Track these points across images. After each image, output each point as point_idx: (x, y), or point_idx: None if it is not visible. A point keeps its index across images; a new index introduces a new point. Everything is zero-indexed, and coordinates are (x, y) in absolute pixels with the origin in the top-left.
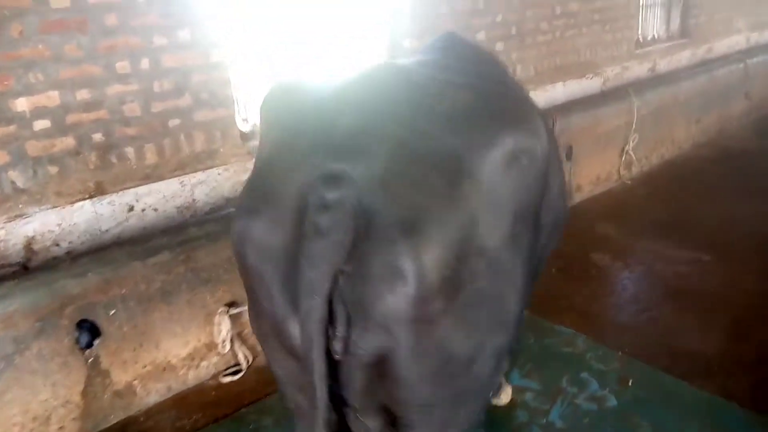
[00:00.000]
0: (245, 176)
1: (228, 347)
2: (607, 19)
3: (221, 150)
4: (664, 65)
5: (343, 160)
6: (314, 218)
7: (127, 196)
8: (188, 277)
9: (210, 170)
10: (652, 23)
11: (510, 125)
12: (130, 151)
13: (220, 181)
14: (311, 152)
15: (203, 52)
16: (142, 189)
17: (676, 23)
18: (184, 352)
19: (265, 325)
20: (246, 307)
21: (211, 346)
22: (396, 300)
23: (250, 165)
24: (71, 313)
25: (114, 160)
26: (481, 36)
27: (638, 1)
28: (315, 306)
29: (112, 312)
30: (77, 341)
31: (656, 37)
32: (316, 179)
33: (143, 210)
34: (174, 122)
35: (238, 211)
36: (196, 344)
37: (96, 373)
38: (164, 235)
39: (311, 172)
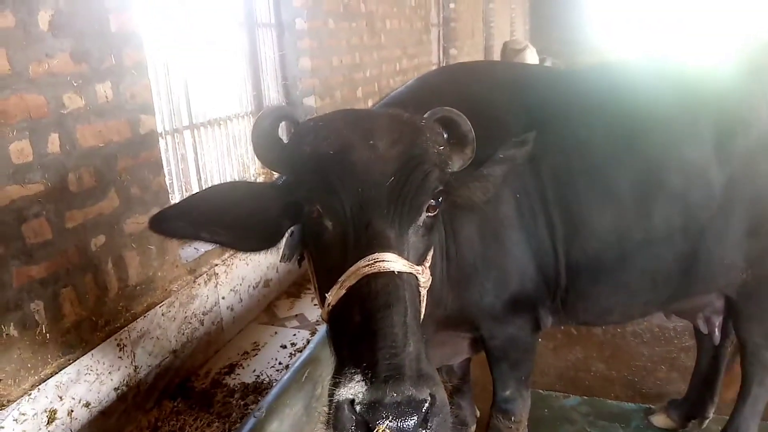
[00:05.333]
0: (193, 308)
1: None
2: None
3: (159, 275)
4: None
5: None
6: None
7: (44, 397)
8: None
9: (150, 312)
10: None
11: None
12: (37, 308)
13: (165, 324)
14: None
15: (130, 120)
16: (67, 373)
17: None
18: None
19: None
20: None
21: None
22: None
23: (197, 291)
24: None
25: (13, 331)
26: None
27: None
28: None
29: None
30: None
31: None
32: None
33: (71, 412)
34: (98, 241)
35: None
36: None
37: None
38: None
39: None
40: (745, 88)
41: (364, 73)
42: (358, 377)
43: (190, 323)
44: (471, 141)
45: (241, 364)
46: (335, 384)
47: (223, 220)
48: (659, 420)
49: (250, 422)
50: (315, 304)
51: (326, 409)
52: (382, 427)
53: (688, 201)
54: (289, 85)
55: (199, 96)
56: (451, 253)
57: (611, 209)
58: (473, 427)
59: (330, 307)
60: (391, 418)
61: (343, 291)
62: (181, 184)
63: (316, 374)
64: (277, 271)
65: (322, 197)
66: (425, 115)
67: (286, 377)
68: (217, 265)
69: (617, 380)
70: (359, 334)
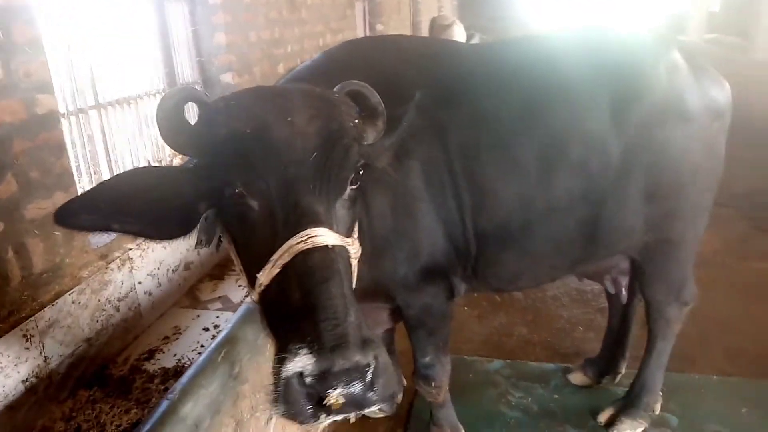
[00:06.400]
0: (106, 294)
1: None
2: None
3: (67, 262)
4: None
5: None
6: None
7: None
8: None
9: (58, 300)
10: None
11: None
12: None
13: (76, 312)
14: None
15: (25, 99)
16: None
17: None
18: None
19: None
20: None
21: None
22: None
23: (111, 276)
24: None
25: None
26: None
27: None
28: None
29: None
30: None
31: None
32: None
33: None
34: None
35: None
36: None
37: None
38: None
39: None
40: (640, 58)
41: (285, 49)
42: (304, 351)
43: (105, 310)
44: (381, 113)
45: (162, 349)
46: (280, 361)
47: (133, 208)
48: (576, 378)
49: (164, 405)
50: (240, 286)
51: (272, 387)
52: (333, 394)
53: (588, 170)
54: (204, 62)
55: (107, 74)
56: (364, 226)
57: (516, 180)
58: (400, 395)
59: (262, 287)
60: (341, 385)
61: (277, 270)
62: (89, 167)
63: (233, 353)
64: (198, 254)
65: (244, 178)
66: (335, 89)
67: (201, 358)
68: (131, 249)
69: (538, 343)
70: (299, 309)
